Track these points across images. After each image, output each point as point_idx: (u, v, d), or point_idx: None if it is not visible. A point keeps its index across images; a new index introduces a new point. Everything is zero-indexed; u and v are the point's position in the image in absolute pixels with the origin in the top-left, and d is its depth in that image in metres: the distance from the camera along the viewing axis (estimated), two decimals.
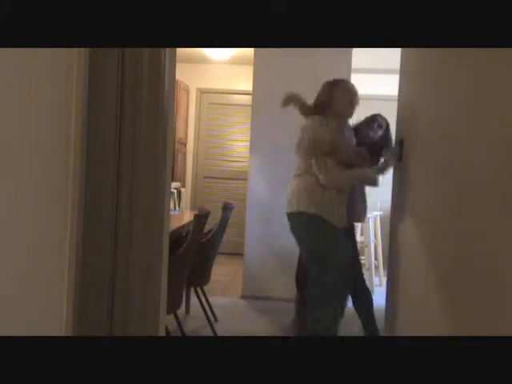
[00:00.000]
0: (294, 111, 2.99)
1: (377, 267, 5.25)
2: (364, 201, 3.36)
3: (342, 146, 2.92)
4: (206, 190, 6.75)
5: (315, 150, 2.85)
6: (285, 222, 2.98)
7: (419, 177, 2.60)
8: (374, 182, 3.01)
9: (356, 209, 3.25)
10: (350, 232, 3.21)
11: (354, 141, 3.06)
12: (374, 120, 3.28)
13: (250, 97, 4.76)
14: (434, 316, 2.07)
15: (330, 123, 2.88)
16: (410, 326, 2.62)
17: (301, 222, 2.92)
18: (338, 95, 2.97)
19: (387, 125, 3.29)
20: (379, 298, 4.41)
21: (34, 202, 1.46)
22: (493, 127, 1.49)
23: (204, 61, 6.35)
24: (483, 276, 1.50)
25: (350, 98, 2.99)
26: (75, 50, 1.43)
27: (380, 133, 3.23)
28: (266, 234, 4.46)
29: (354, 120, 3.24)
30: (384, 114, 3.28)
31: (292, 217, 2.93)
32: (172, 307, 2.86)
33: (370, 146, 3.10)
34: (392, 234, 3.46)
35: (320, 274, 2.83)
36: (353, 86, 3.07)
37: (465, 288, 1.68)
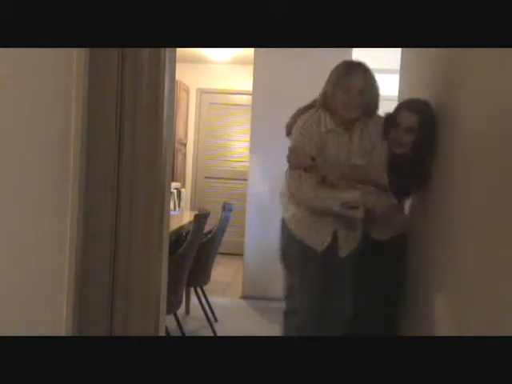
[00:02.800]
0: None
1: None
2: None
3: (330, 157, 2.15)
4: (205, 190, 6.74)
5: (294, 155, 2.18)
6: None
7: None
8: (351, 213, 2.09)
9: None
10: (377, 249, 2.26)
11: (367, 150, 2.16)
12: (393, 120, 2.14)
13: (249, 97, 4.76)
14: (435, 316, 2.07)
15: (328, 122, 2.15)
16: (411, 326, 2.62)
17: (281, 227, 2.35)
18: (335, 87, 2.13)
19: (424, 121, 2.06)
20: None
21: (34, 202, 1.46)
22: (494, 127, 1.49)
23: (204, 61, 6.35)
24: (483, 275, 1.50)
25: (345, 92, 2.10)
26: (75, 50, 1.43)
27: (408, 139, 2.08)
28: (266, 234, 4.45)
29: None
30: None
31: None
32: (172, 307, 2.86)
33: (395, 166, 2.11)
34: None
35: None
36: (358, 76, 2.15)
37: (465, 288, 1.68)
